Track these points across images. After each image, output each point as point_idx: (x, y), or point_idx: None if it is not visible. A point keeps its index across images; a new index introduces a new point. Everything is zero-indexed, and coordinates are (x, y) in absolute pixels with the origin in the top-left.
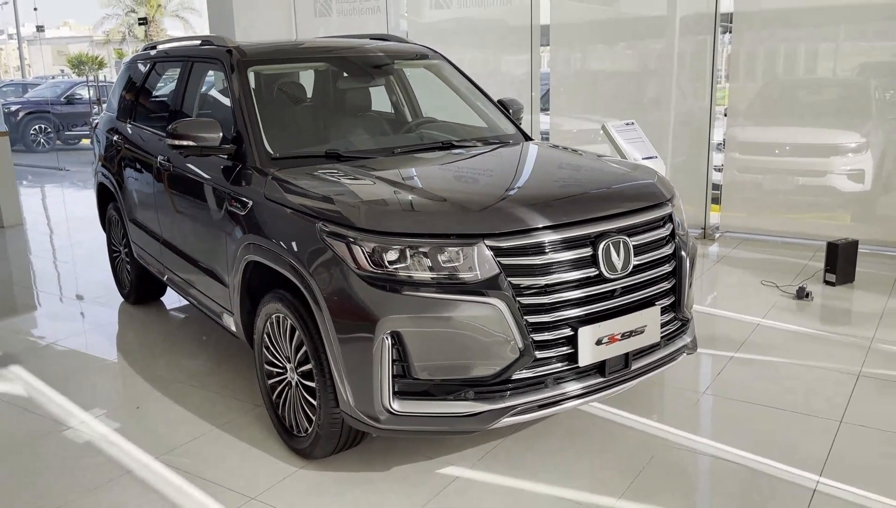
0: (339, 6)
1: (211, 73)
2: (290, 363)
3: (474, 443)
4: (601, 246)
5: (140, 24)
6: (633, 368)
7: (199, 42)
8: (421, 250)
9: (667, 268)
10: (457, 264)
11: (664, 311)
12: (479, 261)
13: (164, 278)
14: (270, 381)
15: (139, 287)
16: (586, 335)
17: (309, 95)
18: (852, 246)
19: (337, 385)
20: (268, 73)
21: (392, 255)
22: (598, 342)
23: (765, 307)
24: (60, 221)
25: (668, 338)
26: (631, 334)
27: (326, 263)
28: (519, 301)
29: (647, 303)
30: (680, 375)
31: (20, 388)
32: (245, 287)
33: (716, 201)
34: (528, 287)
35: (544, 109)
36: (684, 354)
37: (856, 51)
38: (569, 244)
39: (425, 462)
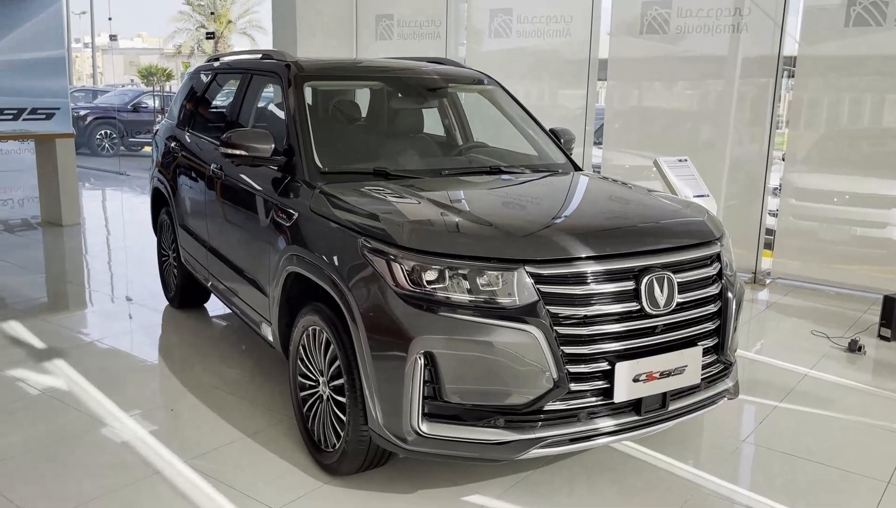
0: (400, 30)
1: (269, 86)
2: (322, 376)
3: (503, 472)
4: (644, 281)
5: (208, 38)
6: (671, 409)
7: (259, 56)
8: (460, 271)
9: (712, 308)
10: (496, 288)
11: (706, 352)
12: (519, 287)
13: (209, 285)
14: (302, 394)
15: (184, 292)
16: (623, 370)
17: (363, 113)
18: None
19: (367, 402)
20: (324, 88)
21: (431, 275)
22: (636, 379)
23: (814, 358)
24: (116, 223)
25: (709, 381)
26: (670, 373)
27: (365, 278)
28: (556, 331)
29: (688, 342)
30: (721, 420)
31: (62, 382)
32: (284, 298)
33: (768, 246)
34: (567, 317)
35: (598, 143)
36: (725, 398)
37: None
38: (611, 276)
39: (451, 487)
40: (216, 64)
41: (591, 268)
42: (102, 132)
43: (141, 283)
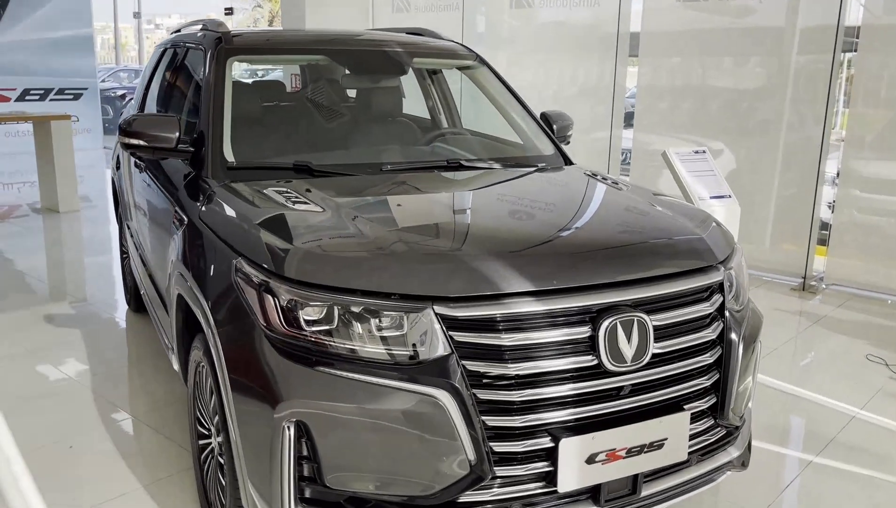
0: (417, 2)
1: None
2: (213, 426)
3: None
4: (604, 325)
5: (226, 13)
6: (644, 494)
7: (199, 28)
8: (351, 310)
9: (707, 359)
10: (394, 334)
11: (700, 416)
12: (423, 334)
13: (142, 292)
14: (200, 442)
15: (137, 294)
16: (571, 448)
17: (334, 97)
18: None
19: (238, 473)
20: (255, 65)
21: (311, 313)
22: (591, 460)
23: (867, 393)
24: None
25: (704, 452)
26: (642, 449)
27: (234, 311)
28: (475, 395)
29: (671, 407)
30: (736, 481)
31: None
32: (182, 324)
33: (822, 242)
34: (491, 377)
35: (629, 126)
36: (727, 473)
37: None
38: (555, 320)
39: None
40: (168, 39)
41: (526, 308)
42: None
43: (110, 281)
